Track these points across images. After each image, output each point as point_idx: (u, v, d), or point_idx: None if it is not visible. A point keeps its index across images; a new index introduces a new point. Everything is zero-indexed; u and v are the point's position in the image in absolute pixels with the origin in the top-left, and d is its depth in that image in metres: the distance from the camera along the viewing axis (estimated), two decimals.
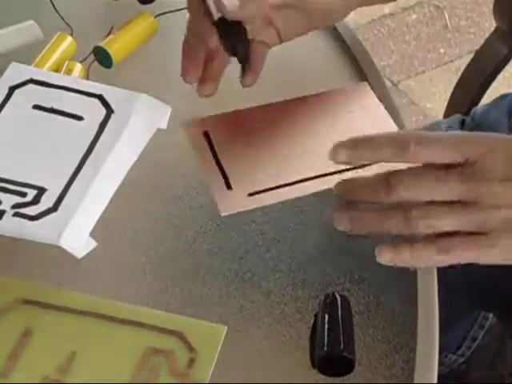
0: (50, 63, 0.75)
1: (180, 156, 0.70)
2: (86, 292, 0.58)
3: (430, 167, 0.54)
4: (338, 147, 0.55)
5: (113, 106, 0.65)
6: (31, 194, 0.61)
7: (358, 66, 0.79)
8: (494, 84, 1.14)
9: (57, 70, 0.75)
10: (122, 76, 0.77)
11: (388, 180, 0.54)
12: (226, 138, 0.70)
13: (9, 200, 0.60)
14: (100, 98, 0.66)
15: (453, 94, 1.18)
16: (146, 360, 0.53)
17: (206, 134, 0.70)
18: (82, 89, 0.67)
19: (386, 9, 2.15)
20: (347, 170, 0.65)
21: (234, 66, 0.69)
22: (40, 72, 0.69)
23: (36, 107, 0.66)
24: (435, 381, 0.56)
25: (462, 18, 2.23)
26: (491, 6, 1.10)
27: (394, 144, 0.54)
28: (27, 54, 0.76)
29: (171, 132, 0.69)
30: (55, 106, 0.66)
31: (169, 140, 0.70)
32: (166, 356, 0.53)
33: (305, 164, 0.67)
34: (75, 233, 0.59)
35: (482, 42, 1.14)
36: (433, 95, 2.01)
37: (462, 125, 0.95)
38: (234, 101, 0.72)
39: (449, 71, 2.06)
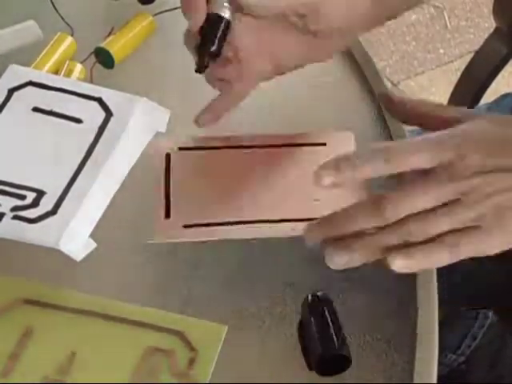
0: (50, 63, 0.75)
1: None
2: (86, 292, 0.58)
3: (406, 179, 0.56)
4: (321, 170, 0.55)
5: (112, 109, 0.65)
6: (30, 196, 0.60)
7: (358, 66, 0.79)
8: (493, 84, 1.14)
9: (57, 71, 0.75)
10: (123, 76, 0.77)
11: (376, 204, 0.54)
12: (185, 166, 0.68)
13: (8, 203, 0.60)
14: (99, 101, 0.65)
15: (453, 94, 1.18)
16: (147, 360, 0.53)
17: (168, 156, 0.68)
18: (81, 91, 0.66)
19: None
20: (298, 220, 0.62)
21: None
22: (39, 74, 0.69)
23: (35, 110, 0.66)
24: (435, 381, 0.56)
25: (461, 18, 2.23)
26: (491, 7, 1.10)
27: (373, 159, 0.55)
28: (27, 54, 0.76)
29: (172, 131, 0.69)
30: (55, 109, 0.65)
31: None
32: (167, 355, 0.53)
33: (254, 207, 0.64)
34: (74, 236, 0.58)
35: (481, 42, 1.14)
36: (433, 95, 2.01)
37: None
38: None
39: (449, 71, 2.06)
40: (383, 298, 0.60)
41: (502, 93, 0.98)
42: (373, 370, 0.56)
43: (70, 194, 0.60)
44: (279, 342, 0.57)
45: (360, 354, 0.57)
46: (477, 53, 1.16)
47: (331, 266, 0.54)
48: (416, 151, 0.56)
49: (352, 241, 0.55)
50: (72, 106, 0.65)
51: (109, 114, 0.65)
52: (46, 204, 0.60)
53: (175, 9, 0.82)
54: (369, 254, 0.54)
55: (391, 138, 0.73)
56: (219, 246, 0.63)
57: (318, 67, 0.70)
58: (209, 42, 0.62)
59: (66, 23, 0.79)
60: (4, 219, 0.59)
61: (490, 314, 0.94)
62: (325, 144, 0.69)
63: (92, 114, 0.65)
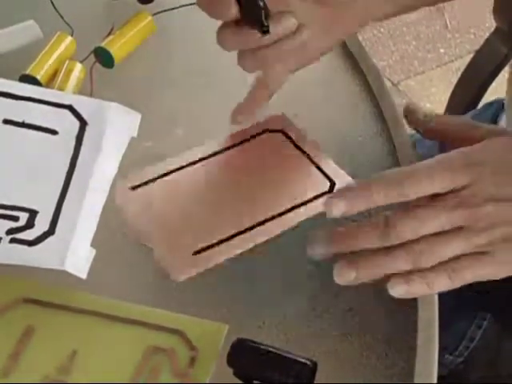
0: (49, 63, 0.75)
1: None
2: (86, 291, 0.58)
3: (419, 201, 0.55)
4: (332, 199, 0.55)
5: (85, 117, 0.62)
6: (23, 217, 0.58)
7: (358, 66, 0.79)
8: (493, 84, 1.14)
9: (57, 70, 0.75)
10: (122, 75, 0.77)
11: (385, 223, 0.54)
12: (152, 200, 0.65)
13: (1, 226, 0.58)
14: (70, 108, 0.63)
15: (453, 94, 1.18)
16: (147, 359, 0.53)
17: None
18: (50, 100, 0.63)
19: None
20: (292, 208, 0.64)
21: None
22: (3, 83, 0.65)
23: (6, 122, 0.63)
24: (435, 381, 0.56)
25: (462, 18, 2.23)
26: (491, 7, 1.10)
27: (387, 187, 0.55)
28: (27, 53, 0.76)
29: (174, 130, 0.69)
30: (27, 120, 0.62)
31: (168, 139, 0.70)
32: (167, 355, 0.53)
33: (247, 213, 0.64)
34: (77, 253, 0.57)
35: (482, 42, 1.14)
36: (433, 95, 2.02)
37: None
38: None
39: (449, 71, 2.07)
40: (383, 297, 0.60)
41: (501, 96, 0.98)
42: (373, 370, 0.56)
43: (63, 211, 0.59)
44: (279, 342, 0.57)
45: (360, 353, 0.57)
46: (477, 53, 1.16)
47: (338, 282, 0.55)
48: (429, 177, 0.55)
49: (361, 260, 0.55)
50: (43, 116, 0.63)
51: (83, 122, 0.62)
52: (42, 224, 0.58)
53: (175, 8, 0.82)
54: (376, 274, 0.55)
55: (391, 139, 0.73)
56: None
57: (318, 67, 0.70)
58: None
59: (66, 23, 0.79)
60: (1, 244, 0.57)
61: (488, 315, 0.94)
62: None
63: (66, 124, 0.62)
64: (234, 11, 0.59)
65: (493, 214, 0.55)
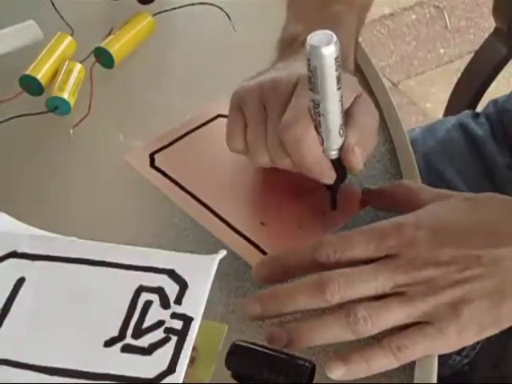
0: (49, 63, 0.75)
1: None
2: None
3: (356, 264, 0.53)
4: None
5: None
6: (169, 285, 0.53)
7: (357, 66, 0.79)
8: (493, 84, 1.14)
9: (57, 70, 0.75)
10: (122, 76, 0.78)
11: (320, 286, 0.52)
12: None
13: (159, 309, 0.52)
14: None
15: (452, 93, 1.18)
16: None
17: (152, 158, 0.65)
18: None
19: (386, 9, 2.15)
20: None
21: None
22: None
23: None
24: (435, 381, 0.56)
25: (461, 18, 2.23)
26: (491, 7, 1.10)
27: (322, 253, 0.54)
28: (27, 54, 0.76)
29: (168, 129, 0.69)
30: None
31: None
32: None
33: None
34: None
35: (481, 42, 1.15)
36: (433, 95, 2.02)
37: (476, 118, 0.94)
38: None
39: (449, 71, 2.07)
40: None
41: (501, 95, 0.97)
42: None
43: None
44: None
45: None
46: (477, 53, 1.16)
47: (270, 343, 0.53)
48: (360, 242, 0.54)
49: (293, 327, 0.53)
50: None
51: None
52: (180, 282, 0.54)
53: (175, 9, 0.82)
54: (311, 339, 0.52)
55: (391, 139, 0.73)
56: (219, 245, 0.63)
57: None
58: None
59: (66, 23, 0.79)
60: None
61: None
62: None
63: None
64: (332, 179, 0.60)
65: (435, 278, 0.52)
